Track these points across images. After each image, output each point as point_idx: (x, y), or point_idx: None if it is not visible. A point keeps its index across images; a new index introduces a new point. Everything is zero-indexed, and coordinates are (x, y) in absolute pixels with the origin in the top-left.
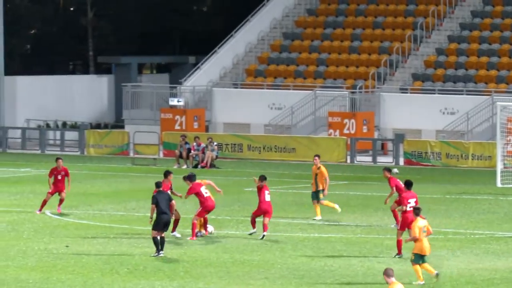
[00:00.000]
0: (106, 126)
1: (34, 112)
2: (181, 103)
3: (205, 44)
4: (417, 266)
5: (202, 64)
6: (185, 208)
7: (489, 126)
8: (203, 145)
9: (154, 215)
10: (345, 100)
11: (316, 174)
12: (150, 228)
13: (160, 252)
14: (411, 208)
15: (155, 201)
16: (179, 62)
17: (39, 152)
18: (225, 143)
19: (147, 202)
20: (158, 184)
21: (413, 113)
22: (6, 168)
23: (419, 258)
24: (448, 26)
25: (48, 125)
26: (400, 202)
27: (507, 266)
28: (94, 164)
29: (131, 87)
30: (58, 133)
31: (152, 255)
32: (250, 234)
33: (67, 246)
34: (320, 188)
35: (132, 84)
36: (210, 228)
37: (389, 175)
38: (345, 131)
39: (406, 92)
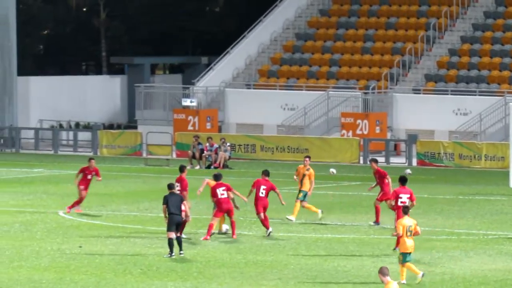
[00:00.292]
0: (119, 127)
1: (47, 112)
2: (194, 104)
3: (218, 44)
4: (404, 267)
5: (215, 64)
6: (198, 208)
7: (502, 127)
8: (216, 145)
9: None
10: (358, 100)
11: (304, 175)
12: (164, 228)
13: (181, 251)
14: (402, 204)
15: (165, 201)
16: (192, 63)
17: (52, 152)
18: (238, 144)
19: (160, 202)
20: (170, 186)
21: (426, 113)
22: (19, 168)
23: (405, 257)
24: (460, 26)
25: (61, 126)
26: (382, 198)
27: None
28: (107, 164)
29: (144, 87)
30: (71, 133)
31: (165, 256)
32: (268, 235)
33: (80, 247)
34: (303, 188)
35: (145, 84)
36: (224, 227)
37: (376, 167)
38: (358, 132)
39: (419, 93)
